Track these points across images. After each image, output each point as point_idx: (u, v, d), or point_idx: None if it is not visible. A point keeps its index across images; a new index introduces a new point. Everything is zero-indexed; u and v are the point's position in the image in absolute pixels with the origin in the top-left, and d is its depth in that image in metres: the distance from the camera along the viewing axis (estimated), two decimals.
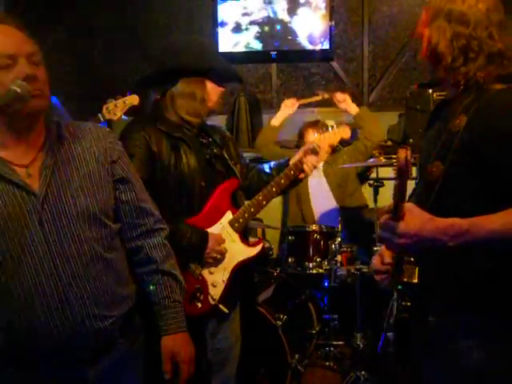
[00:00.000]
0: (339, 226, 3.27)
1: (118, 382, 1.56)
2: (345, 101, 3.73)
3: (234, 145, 2.39)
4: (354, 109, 3.75)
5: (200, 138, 2.21)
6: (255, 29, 4.84)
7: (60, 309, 1.40)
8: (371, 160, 3.55)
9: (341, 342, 3.29)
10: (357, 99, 4.97)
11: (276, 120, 3.87)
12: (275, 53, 4.86)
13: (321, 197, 3.78)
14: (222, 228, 2.18)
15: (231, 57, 4.88)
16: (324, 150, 2.35)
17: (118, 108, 2.48)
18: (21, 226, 1.38)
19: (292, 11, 4.81)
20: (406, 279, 1.44)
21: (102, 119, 2.47)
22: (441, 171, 1.39)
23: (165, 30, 4.96)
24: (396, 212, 1.27)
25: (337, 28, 4.88)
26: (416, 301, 1.58)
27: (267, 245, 3.58)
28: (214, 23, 4.87)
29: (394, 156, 4.12)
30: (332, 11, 4.80)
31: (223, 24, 4.85)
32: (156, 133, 2.07)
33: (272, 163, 2.43)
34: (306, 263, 3.17)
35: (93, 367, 1.48)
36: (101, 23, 4.91)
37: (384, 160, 3.48)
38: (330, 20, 4.79)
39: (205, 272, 2.13)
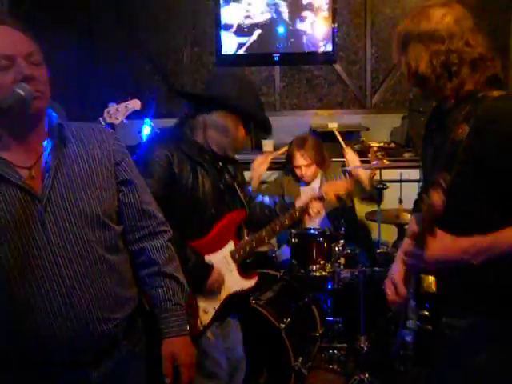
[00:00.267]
0: (342, 229, 3.26)
1: None
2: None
3: (242, 173, 2.42)
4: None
5: (215, 164, 2.21)
6: (258, 31, 4.85)
7: (63, 311, 1.39)
8: (374, 162, 3.54)
9: (344, 345, 3.27)
10: (360, 101, 4.99)
11: (253, 184, 3.48)
12: (278, 55, 4.87)
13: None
14: (223, 257, 2.21)
15: (234, 59, 4.89)
16: (329, 197, 2.62)
17: (119, 112, 2.48)
18: (24, 229, 1.37)
19: (295, 14, 4.82)
20: (424, 289, 1.46)
21: (103, 123, 2.47)
22: (448, 182, 1.40)
23: (166, 32, 4.97)
24: (421, 240, 1.34)
25: (340, 30, 4.89)
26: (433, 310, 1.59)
27: (270, 247, 3.58)
28: (217, 26, 4.89)
29: (398, 158, 4.14)
30: (335, 14, 4.81)
31: (226, 26, 4.86)
32: (179, 153, 2.07)
33: (275, 199, 2.53)
34: (310, 266, 3.16)
35: (96, 369, 1.47)
36: (101, 23, 4.92)
37: (387, 162, 3.48)
38: (333, 22, 4.81)
39: (198, 297, 2.13)
